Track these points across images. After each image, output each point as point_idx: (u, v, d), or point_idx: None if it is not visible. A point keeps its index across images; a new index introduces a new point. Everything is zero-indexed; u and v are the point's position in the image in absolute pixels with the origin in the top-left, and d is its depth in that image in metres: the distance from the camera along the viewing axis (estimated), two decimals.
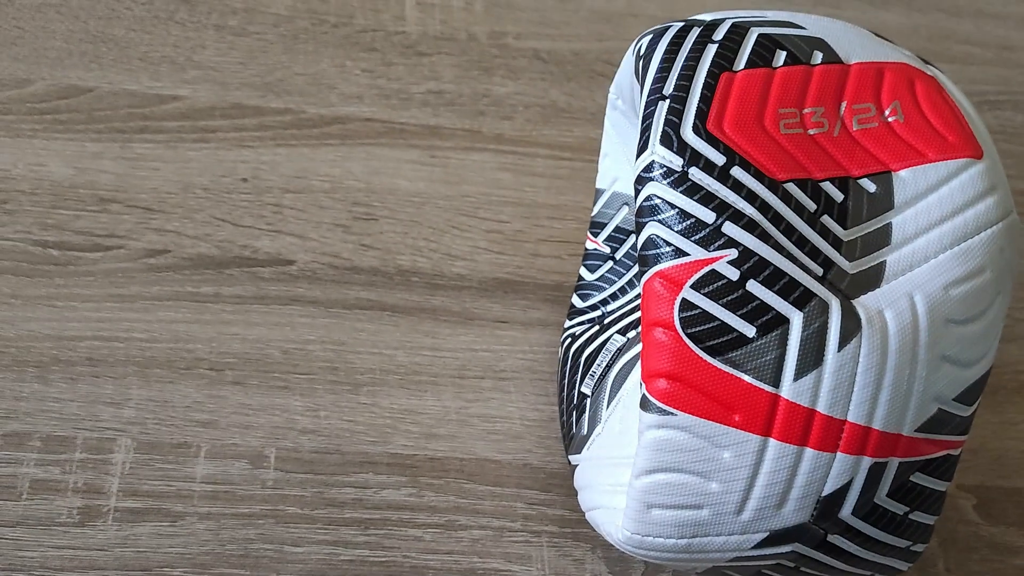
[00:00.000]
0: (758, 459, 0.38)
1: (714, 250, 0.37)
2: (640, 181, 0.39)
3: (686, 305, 0.37)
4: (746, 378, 0.37)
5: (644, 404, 0.38)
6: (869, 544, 0.40)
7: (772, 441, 0.37)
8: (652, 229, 0.38)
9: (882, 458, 0.38)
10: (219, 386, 0.51)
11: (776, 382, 0.37)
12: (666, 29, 0.43)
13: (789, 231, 0.38)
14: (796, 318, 0.37)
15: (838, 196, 0.39)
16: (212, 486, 0.47)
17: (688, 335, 0.37)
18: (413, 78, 0.66)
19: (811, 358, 0.37)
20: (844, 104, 0.41)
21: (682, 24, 0.43)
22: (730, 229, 0.38)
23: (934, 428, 0.38)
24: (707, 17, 0.43)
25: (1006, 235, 0.40)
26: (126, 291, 0.53)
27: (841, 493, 0.38)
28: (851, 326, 0.37)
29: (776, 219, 0.38)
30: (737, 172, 0.38)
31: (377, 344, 0.54)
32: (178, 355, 0.51)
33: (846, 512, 0.38)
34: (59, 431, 0.47)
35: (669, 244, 0.38)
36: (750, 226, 0.38)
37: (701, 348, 0.37)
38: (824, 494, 0.38)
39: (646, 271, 0.38)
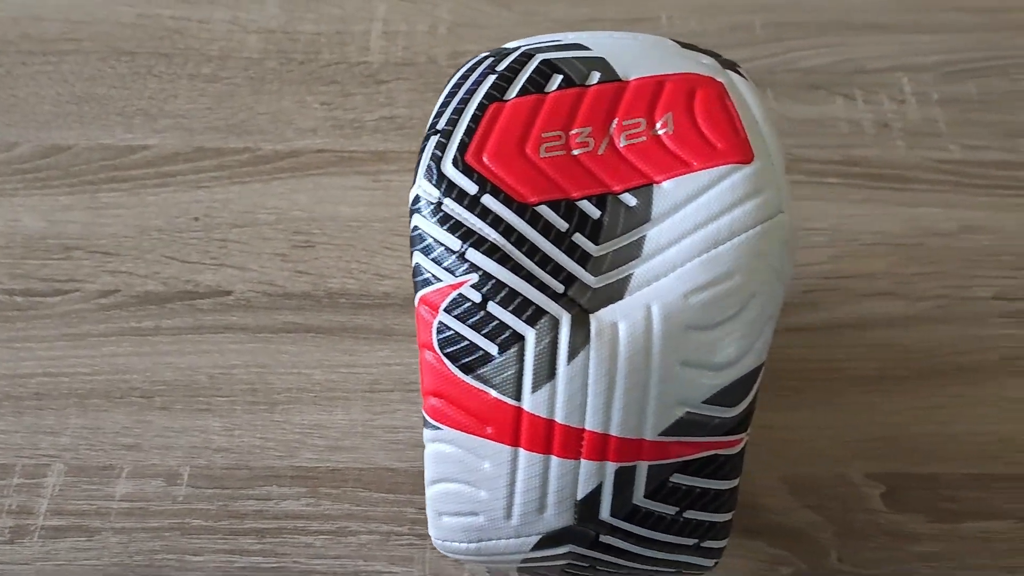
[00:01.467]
0: (512, 468, 0.40)
1: (460, 275, 0.40)
2: (410, 213, 0.42)
3: (442, 327, 0.40)
4: (493, 393, 0.39)
5: (424, 420, 0.41)
6: (645, 543, 0.41)
7: (522, 451, 0.39)
8: (416, 258, 0.41)
9: (627, 462, 0.39)
10: (147, 412, 0.57)
11: (518, 396, 0.39)
12: (469, 61, 0.45)
13: (532, 252, 0.40)
14: (530, 335, 0.39)
15: (594, 213, 0.41)
16: (128, 503, 0.53)
17: (446, 355, 0.40)
18: (369, 106, 0.70)
19: (545, 372, 0.39)
20: (615, 121, 0.42)
21: (480, 56, 0.45)
22: (473, 255, 0.40)
23: (684, 431, 0.40)
24: (511, 45, 0.46)
25: (765, 238, 0.40)
26: (77, 330, 0.59)
27: (594, 496, 0.40)
28: (580, 340, 0.39)
29: (520, 241, 0.40)
30: (487, 200, 0.41)
31: (297, 364, 0.58)
32: (115, 386, 0.57)
33: (605, 514, 0.40)
34: (2, 460, 0.55)
35: (428, 271, 0.41)
36: (491, 251, 0.40)
37: (457, 367, 0.40)
38: (579, 498, 0.40)
39: (415, 297, 0.41)
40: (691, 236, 0.40)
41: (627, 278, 0.40)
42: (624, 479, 0.40)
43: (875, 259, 0.64)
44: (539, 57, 0.44)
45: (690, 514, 0.41)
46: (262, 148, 0.68)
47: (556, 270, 0.40)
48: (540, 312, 0.39)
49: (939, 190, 0.68)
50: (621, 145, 0.42)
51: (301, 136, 0.68)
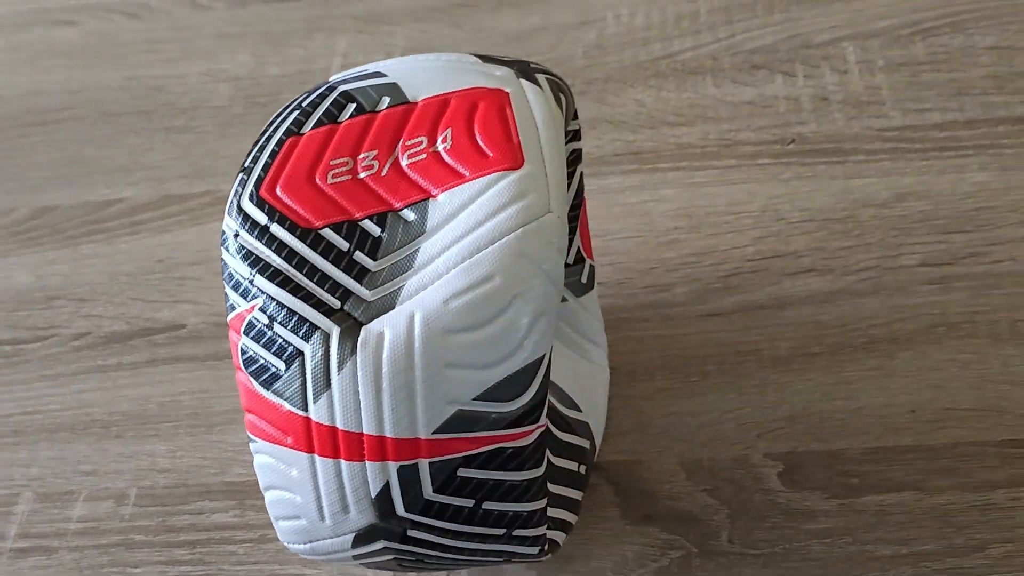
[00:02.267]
0: (313, 473, 0.43)
1: (250, 300, 0.43)
2: (221, 246, 0.46)
3: (243, 349, 0.43)
4: (286, 406, 0.43)
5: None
6: (452, 535, 0.43)
7: (316, 457, 0.42)
8: (225, 289, 0.45)
9: (408, 460, 0.42)
10: (105, 440, 0.62)
11: (305, 407, 0.42)
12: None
13: (312, 272, 0.43)
14: (307, 349, 0.42)
15: (375, 231, 0.43)
16: (83, 524, 0.59)
17: (249, 374, 0.43)
18: None
19: (322, 382, 0.42)
20: (400, 142, 0.45)
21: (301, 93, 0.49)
22: (260, 281, 0.43)
23: (460, 427, 0.42)
24: (332, 80, 0.49)
25: (528, 239, 0.42)
26: (52, 371, 0.66)
27: (386, 494, 0.42)
28: (348, 350, 0.41)
29: (300, 264, 0.43)
30: (275, 228, 0.44)
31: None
32: (79, 419, 0.63)
33: (401, 511, 0.43)
34: None
35: (230, 299, 0.44)
36: (274, 275, 0.43)
37: (258, 383, 0.43)
38: (372, 497, 0.42)
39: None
40: (457, 244, 0.42)
41: (399, 290, 0.42)
42: (409, 476, 0.42)
43: (801, 237, 0.64)
44: (339, 88, 0.47)
45: (489, 505, 0.43)
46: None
47: (333, 287, 0.43)
48: (314, 328, 0.42)
49: (876, 160, 0.66)
50: (404, 164, 0.44)
51: None
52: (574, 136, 0.47)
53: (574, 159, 0.47)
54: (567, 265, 0.45)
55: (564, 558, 0.54)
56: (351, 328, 0.42)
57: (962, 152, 0.65)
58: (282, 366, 0.43)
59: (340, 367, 0.41)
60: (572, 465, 0.41)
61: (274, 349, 0.43)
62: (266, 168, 0.45)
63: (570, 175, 0.45)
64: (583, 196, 0.50)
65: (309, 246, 0.43)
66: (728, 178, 0.67)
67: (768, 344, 0.60)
